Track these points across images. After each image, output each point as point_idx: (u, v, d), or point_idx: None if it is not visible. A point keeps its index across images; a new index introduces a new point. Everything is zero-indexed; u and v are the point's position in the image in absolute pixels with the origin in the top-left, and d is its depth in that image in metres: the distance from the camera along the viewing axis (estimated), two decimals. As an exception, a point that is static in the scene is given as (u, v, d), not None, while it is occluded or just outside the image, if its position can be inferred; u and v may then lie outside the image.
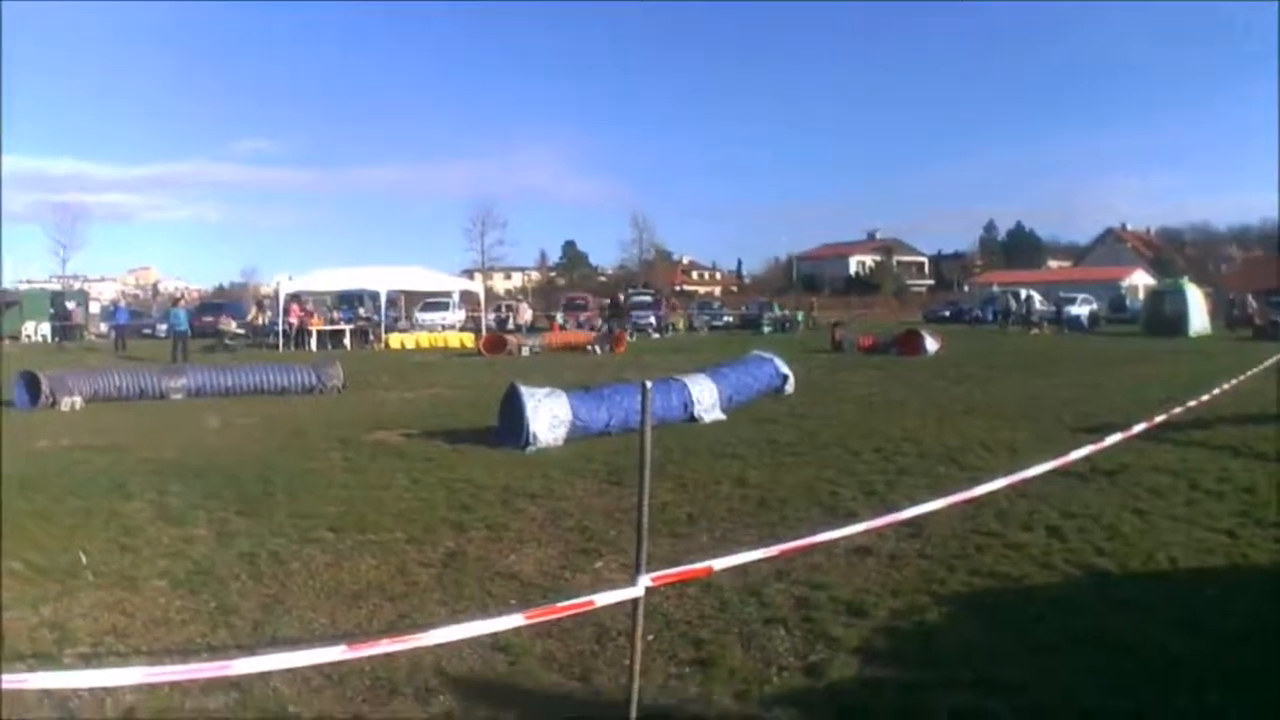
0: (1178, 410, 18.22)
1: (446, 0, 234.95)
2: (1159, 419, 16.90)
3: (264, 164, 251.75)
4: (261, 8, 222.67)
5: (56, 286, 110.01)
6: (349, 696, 7.29)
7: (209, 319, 68.63)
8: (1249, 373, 24.20)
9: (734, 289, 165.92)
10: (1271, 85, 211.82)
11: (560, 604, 6.91)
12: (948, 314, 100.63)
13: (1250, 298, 76.34)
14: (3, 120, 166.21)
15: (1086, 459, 13.71)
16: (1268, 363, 25.97)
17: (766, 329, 77.35)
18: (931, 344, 44.27)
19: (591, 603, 6.68)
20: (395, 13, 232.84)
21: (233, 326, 63.94)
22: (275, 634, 8.59)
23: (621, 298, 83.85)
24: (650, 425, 6.81)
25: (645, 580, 6.65)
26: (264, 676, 7.13)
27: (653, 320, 79.65)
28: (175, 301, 65.84)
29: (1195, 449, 17.12)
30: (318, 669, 7.33)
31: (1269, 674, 7.45)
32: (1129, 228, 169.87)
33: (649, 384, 6.92)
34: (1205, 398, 19.73)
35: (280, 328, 60.22)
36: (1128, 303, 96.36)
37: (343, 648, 5.71)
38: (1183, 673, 7.45)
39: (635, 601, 6.61)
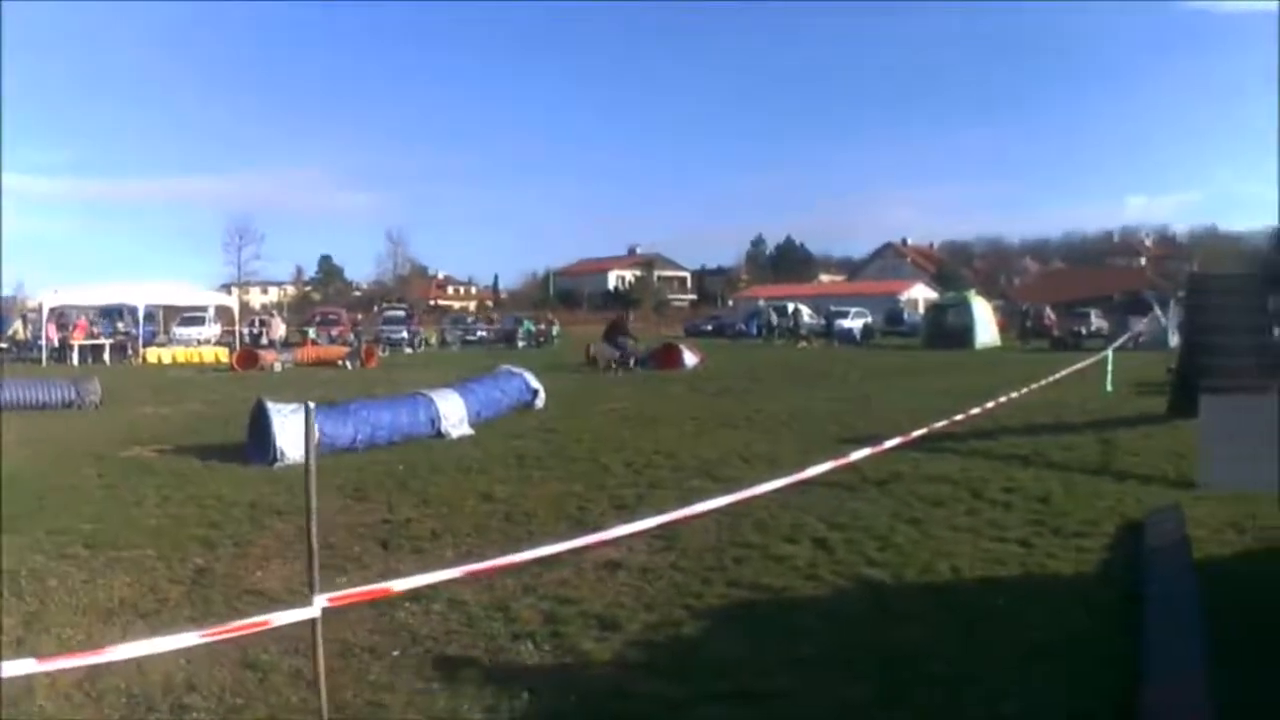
0: (958, 418, 18.20)
1: (204, 0, 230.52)
2: (938, 425, 16.96)
3: (28, 173, 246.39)
4: (20, 16, 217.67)
5: None
6: (107, 714, 7.41)
7: (-29, 333, 67.11)
8: (1040, 382, 24.43)
9: (490, 304, 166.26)
10: (1069, 98, 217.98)
11: (236, 623, 6.96)
12: (710, 328, 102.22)
13: (1048, 309, 79.14)
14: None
15: (855, 469, 13.95)
16: (1062, 372, 26.25)
17: (521, 344, 77.33)
18: (690, 357, 44.97)
19: (267, 622, 6.74)
20: (155, 24, 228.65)
21: None
22: (35, 650, 8.34)
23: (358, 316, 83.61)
24: (315, 448, 7.00)
25: (322, 600, 6.77)
26: (29, 693, 7.38)
27: (405, 335, 79.38)
28: (-64, 315, 64.24)
29: (977, 459, 17.46)
30: (77, 686, 7.61)
31: (1073, 684, 7.45)
32: (910, 242, 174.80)
33: (311, 405, 7.07)
34: (990, 405, 19.80)
35: (43, 342, 59.85)
36: (906, 316, 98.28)
37: (33, 661, 5.85)
38: (974, 684, 7.40)
39: (314, 622, 6.77)
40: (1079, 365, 28.59)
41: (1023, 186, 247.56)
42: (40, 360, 57.38)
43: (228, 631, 6.84)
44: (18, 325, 69.47)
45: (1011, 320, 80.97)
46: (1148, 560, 10.69)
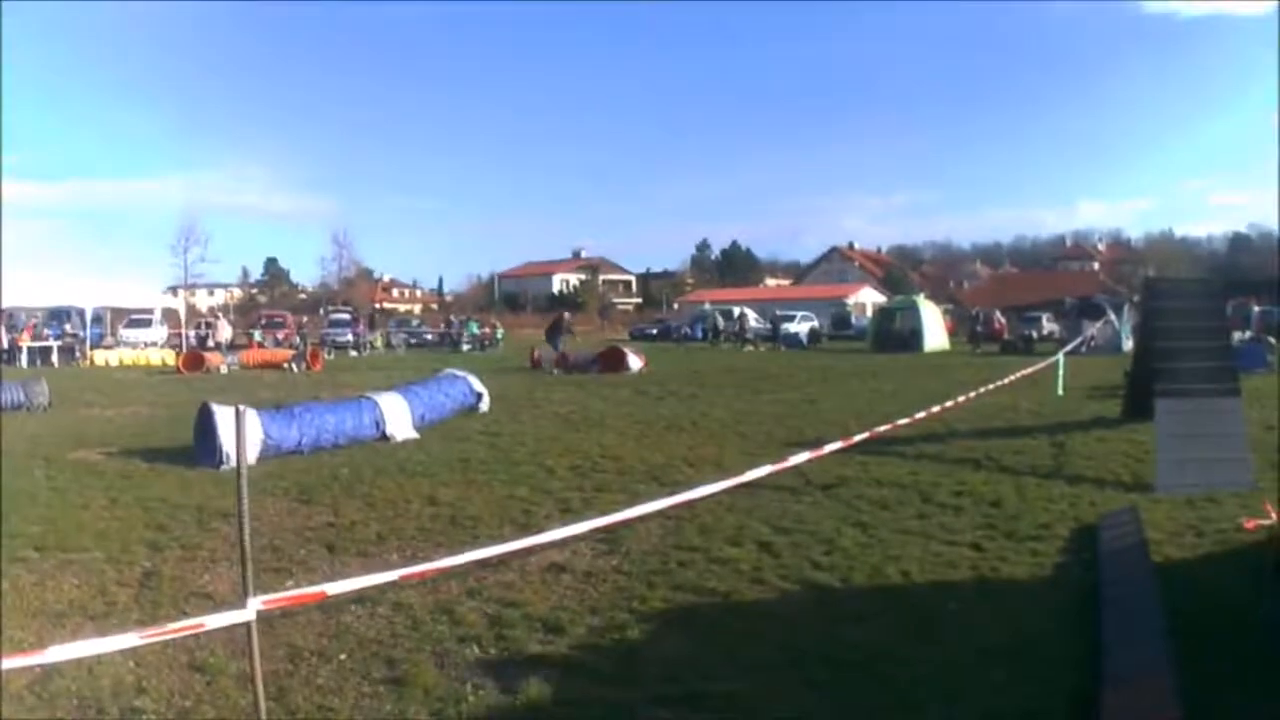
0: (903, 421, 18.47)
1: (150, 2, 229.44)
2: (883, 429, 17.19)
3: None
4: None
5: None
6: (59, 716, 7.48)
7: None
8: (990, 386, 24.48)
9: (434, 307, 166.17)
10: (1021, 102, 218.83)
11: (173, 625, 7.07)
12: (655, 332, 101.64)
13: (998, 313, 79.46)
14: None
15: (799, 473, 14.08)
16: (1013, 376, 26.27)
17: (465, 347, 77.25)
18: (635, 361, 44.77)
19: (202, 625, 6.92)
20: (95, 23, 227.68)
21: None
22: None
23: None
24: (245, 452, 7.05)
25: (256, 603, 6.80)
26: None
27: (350, 338, 79.37)
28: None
29: (927, 462, 17.49)
30: (29, 689, 7.68)
31: (1029, 686, 7.43)
32: (857, 246, 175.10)
33: (244, 408, 7.26)
34: (936, 409, 19.83)
35: None
36: (853, 320, 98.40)
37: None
38: (928, 686, 7.40)
39: (249, 625, 6.78)
40: (1030, 369, 28.72)
41: (973, 191, 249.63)
42: None
43: (165, 633, 6.97)
44: None
45: (961, 324, 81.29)
46: (1104, 563, 10.71)
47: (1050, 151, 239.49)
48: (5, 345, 59.27)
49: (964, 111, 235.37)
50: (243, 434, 6.85)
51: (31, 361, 56.79)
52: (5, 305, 61.69)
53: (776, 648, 8.25)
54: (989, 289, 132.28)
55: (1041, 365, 30.37)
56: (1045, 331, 72.78)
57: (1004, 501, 14.20)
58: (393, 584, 8.35)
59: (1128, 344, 48.72)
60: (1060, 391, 28.76)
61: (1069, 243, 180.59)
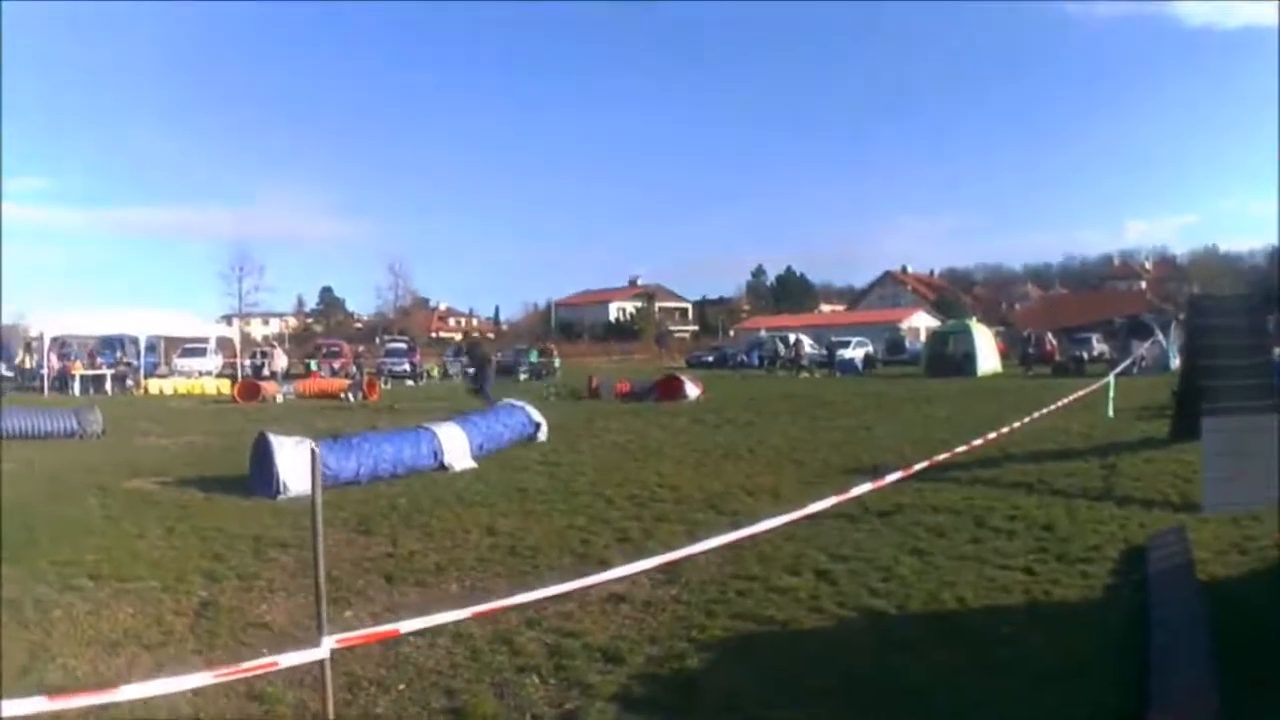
0: (960, 449, 18.24)
1: (201, 29, 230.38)
2: (940, 458, 16.98)
3: (30, 202, 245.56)
4: (19, 42, 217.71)
5: None
6: None
7: (-26, 361, 66.59)
8: (1045, 409, 24.37)
9: (491, 335, 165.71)
10: (1066, 122, 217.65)
11: (247, 665, 7.00)
12: (711, 359, 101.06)
13: (1049, 335, 78.93)
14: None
15: (858, 500, 13.76)
16: (1066, 399, 26.17)
17: (523, 375, 77.08)
18: (692, 389, 44.57)
19: (276, 663, 6.88)
20: (152, 50, 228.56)
21: (2, 369, 62.35)
22: (42, 680, 8.52)
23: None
24: (320, 489, 7.09)
25: (330, 642, 6.87)
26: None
27: (407, 367, 79.32)
28: (-60, 342, 64.00)
29: (981, 487, 17.40)
30: (83, 716, 7.28)
31: (1081, 709, 7.44)
32: (910, 270, 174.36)
33: (313, 446, 7.40)
34: (988, 437, 19.73)
35: (44, 371, 59.61)
36: (907, 344, 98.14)
37: (44, 698, 5.91)
38: (982, 712, 7.42)
39: (322, 663, 6.86)
40: (1082, 392, 28.46)
41: (1023, 212, 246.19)
42: (42, 389, 57.34)
43: (239, 672, 6.91)
44: (22, 354, 68.99)
45: (1013, 346, 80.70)
46: (1153, 584, 10.68)
47: (1096, 169, 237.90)
48: (56, 372, 59.16)
49: (1011, 134, 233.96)
50: (318, 473, 6.93)
51: (84, 389, 56.65)
52: (59, 333, 61.87)
53: (834, 676, 8.23)
54: (1040, 310, 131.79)
55: (1094, 387, 30.19)
56: (1095, 352, 72.19)
57: (1056, 525, 14.14)
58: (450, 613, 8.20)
59: (1175, 363, 48.45)
60: (1110, 413, 28.52)
61: (1116, 261, 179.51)
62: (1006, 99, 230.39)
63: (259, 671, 6.96)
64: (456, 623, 9.18)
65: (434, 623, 7.98)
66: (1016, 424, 21.51)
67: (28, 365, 65.37)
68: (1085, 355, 69.17)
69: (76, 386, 57.41)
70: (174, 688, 6.57)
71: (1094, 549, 12.68)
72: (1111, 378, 31.62)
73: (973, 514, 15.07)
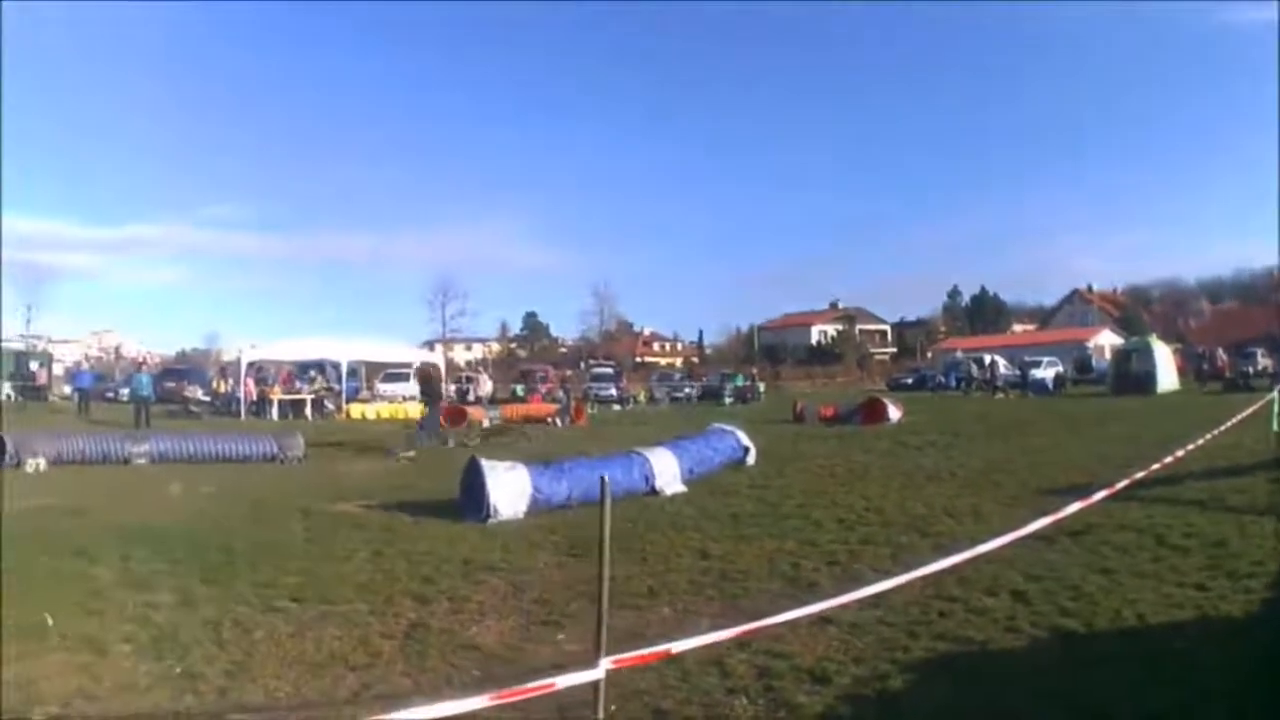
0: (1154, 468, 18.35)
1: (408, 76, 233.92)
2: (1133, 478, 17.10)
3: (229, 229, 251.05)
4: (226, 73, 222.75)
5: (20, 346, 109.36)
6: None
7: (171, 384, 67.91)
8: (1222, 427, 24.21)
9: (695, 360, 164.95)
10: (1238, 135, 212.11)
11: (524, 686, 6.98)
12: (911, 381, 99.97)
13: (1220, 351, 77.01)
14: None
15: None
16: (1239, 416, 25.96)
17: (728, 400, 76.87)
18: (894, 412, 43.97)
19: (553, 685, 6.87)
20: (358, 80, 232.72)
21: (199, 394, 63.04)
22: (241, 700, 8.68)
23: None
24: (609, 522, 7.17)
25: (606, 663, 6.93)
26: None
27: (613, 392, 79.61)
28: (138, 366, 65.40)
29: (1161, 505, 17.20)
30: None
31: None
32: (1095, 288, 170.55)
33: (604, 477, 7.34)
34: (1177, 455, 19.75)
35: (241, 395, 59.98)
36: (1094, 363, 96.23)
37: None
38: None
39: (596, 684, 6.96)
40: (1251, 408, 28.11)
41: (1194, 226, 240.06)
42: (239, 414, 57.82)
43: (515, 694, 6.93)
44: (218, 379, 69.50)
45: (1189, 363, 78.59)
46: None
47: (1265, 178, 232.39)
48: (254, 397, 59.90)
49: (1181, 145, 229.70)
50: (607, 496, 7.09)
51: (283, 414, 57.56)
52: (256, 359, 62.57)
53: (1027, 694, 8.36)
54: (1212, 325, 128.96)
55: (1259, 404, 29.80)
56: (1260, 367, 70.89)
57: (1227, 541, 14.05)
58: (661, 636, 8.34)
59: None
60: (1276, 427, 27.64)
61: (1276, 273, 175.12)
62: (1178, 114, 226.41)
63: (537, 694, 6.95)
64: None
65: (706, 641, 8.16)
66: (1200, 440, 21.51)
67: (221, 390, 65.74)
68: (1250, 369, 68.09)
69: (275, 411, 58.09)
70: (450, 710, 6.47)
71: (1257, 564, 12.67)
72: (1276, 393, 31.19)
73: (1154, 532, 15.01)
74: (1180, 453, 20.05)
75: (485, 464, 19.08)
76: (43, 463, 27.46)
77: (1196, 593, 11.47)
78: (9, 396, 74.92)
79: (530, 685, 6.93)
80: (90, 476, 26.24)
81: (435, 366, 36.89)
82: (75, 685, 9.00)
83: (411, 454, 31.57)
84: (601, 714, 7.06)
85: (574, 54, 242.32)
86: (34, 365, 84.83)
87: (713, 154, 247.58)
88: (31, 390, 76.94)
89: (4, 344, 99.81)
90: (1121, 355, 74.92)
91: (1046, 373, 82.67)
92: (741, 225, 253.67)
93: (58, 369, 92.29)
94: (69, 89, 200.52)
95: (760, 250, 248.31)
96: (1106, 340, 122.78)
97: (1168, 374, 66.37)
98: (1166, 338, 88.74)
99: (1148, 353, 68.25)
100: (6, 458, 27.07)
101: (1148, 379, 64.24)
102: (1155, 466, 18.56)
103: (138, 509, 19.82)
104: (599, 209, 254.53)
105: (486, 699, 6.67)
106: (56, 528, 17.52)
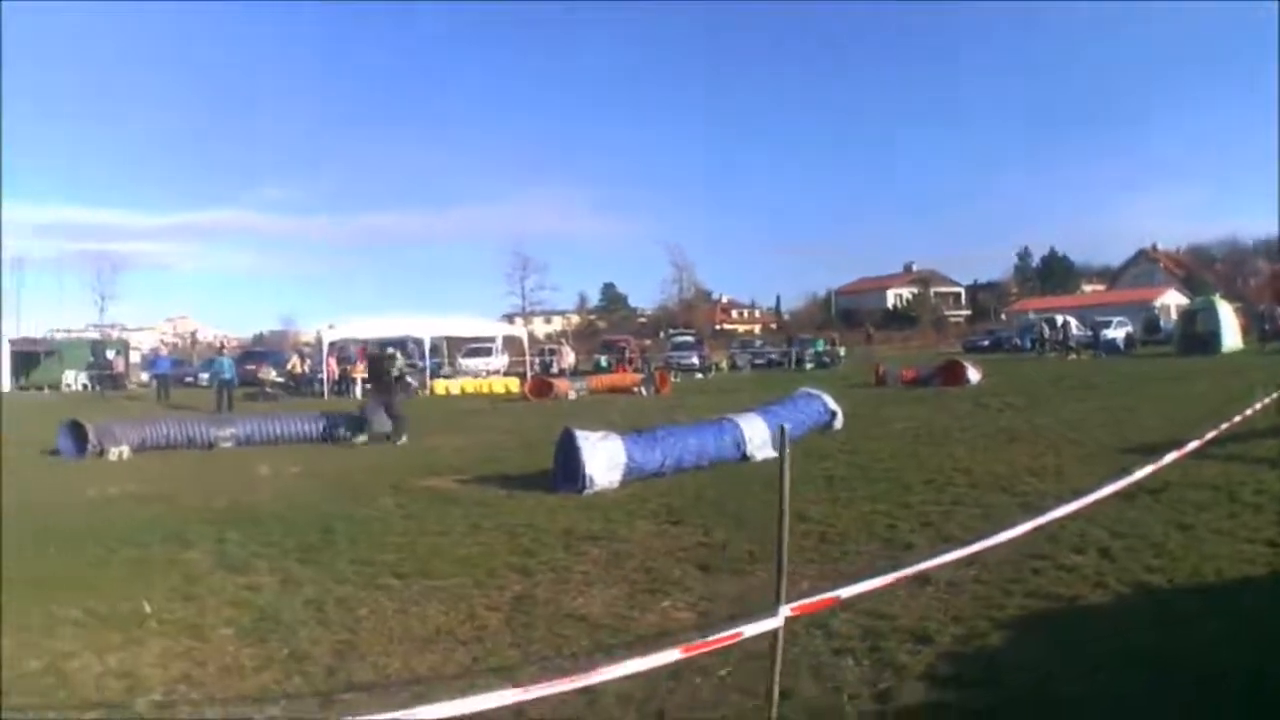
0: (1224, 426, 18.34)
1: (477, 45, 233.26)
2: (1208, 436, 17.10)
3: (296, 212, 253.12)
4: (289, 55, 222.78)
5: (95, 335, 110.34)
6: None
7: (250, 367, 67.81)
8: (1283, 387, 24.18)
9: (773, 326, 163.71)
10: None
11: (712, 637, 7.15)
12: (986, 343, 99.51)
13: (1278, 310, 75.91)
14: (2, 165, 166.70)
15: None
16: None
17: (809, 365, 76.71)
18: (973, 374, 43.99)
19: (740, 633, 6.98)
20: (426, 57, 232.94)
21: (273, 375, 62.91)
22: (350, 679, 8.66)
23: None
24: (789, 470, 7.30)
25: (785, 610, 7.12)
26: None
27: (695, 360, 79.46)
28: (219, 350, 66.29)
29: (1234, 463, 17.18)
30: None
31: None
32: (1160, 247, 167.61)
33: (784, 426, 7.63)
34: (1245, 414, 19.90)
35: (323, 375, 60.52)
36: (1161, 323, 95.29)
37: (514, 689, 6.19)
38: (1229, 682, 7.61)
39: (775, 632, 7.11)
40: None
41: (1249, 181, 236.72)
42: (322, 394, 58.46)
43: (703, 646, 7.07)
44: (295, 360, 69.30)
45: (1252, 322, 77.52)
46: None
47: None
48: (336, 377, 60.66)
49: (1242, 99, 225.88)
50: (785, 458, 7.11)
51: (365, 392, 56.99)
52: (336, 338, 62.76)
53: (1113, 650, 8.42)
54: (1270, 285, 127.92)
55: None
56: (1312, 325, 70.16)
57: (1293, 499, 13.93)
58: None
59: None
60: None
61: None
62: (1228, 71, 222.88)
63: (725, 644, 7.00)
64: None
65: (873, 586, 8.36)
66: (1266, 400, 21.53)
67: (299, 371, 65.81)
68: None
69: (358, 390, 56.83)
70: (642, 666, 6.59)
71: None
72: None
73: (1228, 489, 15.02)
74: (1249, 411, 20.05)
75: (580, 434, 18.82)
76: (126, 450, 27.50)
77: (1268, 549, 11.56)
78: (85, 385, 77.26)
79: (718, 636, 7.02)
80: (175, 462, 26.44)
81: (384, 348, 34.10)
82: (178, 671, 8.99)
83: (364, 438, 30.52)
84: (779, 659, 7.19)
85: (642, 20, 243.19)
86: (110, 354, 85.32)
87: (784, 116, 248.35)
88: (109, 379, 77.74)
89: (74, 334, 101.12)
90: (1187, 315, 74.07)
91: (1117, 333, 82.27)
92: (816, 192, 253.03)
93: (134, 356, 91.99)
94: (128, 79, 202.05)
95: (834, 216, 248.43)
96: (1173, 300, 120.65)
97: (1232, 333, 65.73)
98: (1229, 297, 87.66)
99: (1212, 312, 67.66)
100: (89, 446, 27.26)
101: (1212, 339, 63.74)
102: (1225, 425, 18.54)
103: (226, 492, 19.77)
104: (674, 178, 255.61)
105: (678, 651, 6.75)
106: (144, 514, 17.57)
